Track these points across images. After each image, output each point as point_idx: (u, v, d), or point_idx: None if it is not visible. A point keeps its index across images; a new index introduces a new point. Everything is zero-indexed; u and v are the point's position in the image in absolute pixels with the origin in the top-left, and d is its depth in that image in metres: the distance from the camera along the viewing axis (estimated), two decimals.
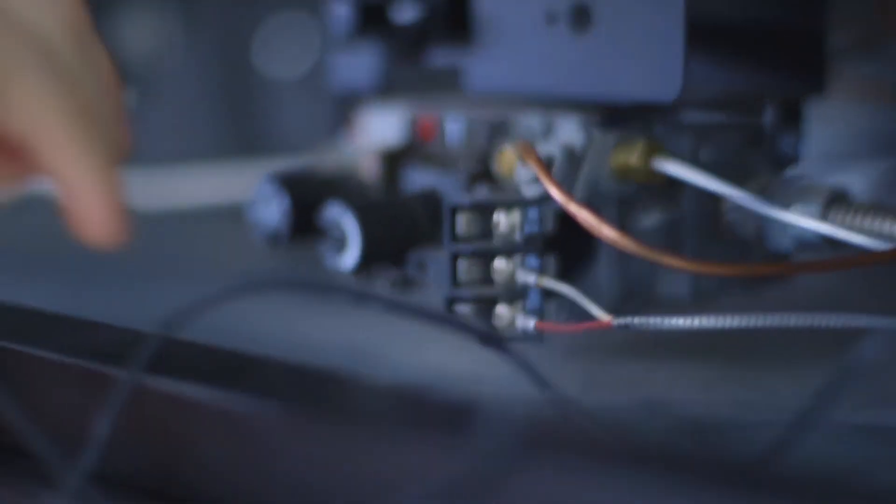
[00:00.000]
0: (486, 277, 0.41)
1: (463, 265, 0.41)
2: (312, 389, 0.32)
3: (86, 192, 0.34)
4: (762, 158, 0.46)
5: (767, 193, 0.43)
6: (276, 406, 0.31)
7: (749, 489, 0.26)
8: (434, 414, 0.30)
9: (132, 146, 0.36)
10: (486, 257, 0.41)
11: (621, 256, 0.43)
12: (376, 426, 0.30)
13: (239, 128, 1.12)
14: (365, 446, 0.30)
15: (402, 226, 0.45)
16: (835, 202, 0.42)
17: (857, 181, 0.49)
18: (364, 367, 0.44)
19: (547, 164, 0.42)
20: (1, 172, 0.36)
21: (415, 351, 0.46)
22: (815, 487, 0.26)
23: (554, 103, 0.46)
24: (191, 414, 0.33)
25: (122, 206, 0.34)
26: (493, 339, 0.38)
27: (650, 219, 0.44)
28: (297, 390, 0.32)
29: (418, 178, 0.47)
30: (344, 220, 0.45)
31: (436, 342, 0.44)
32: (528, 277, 0.40)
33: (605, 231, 0.38)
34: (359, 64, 0.53)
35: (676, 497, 0.25)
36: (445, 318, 0.35)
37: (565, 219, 0.41)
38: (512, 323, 0.41)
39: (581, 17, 0.45)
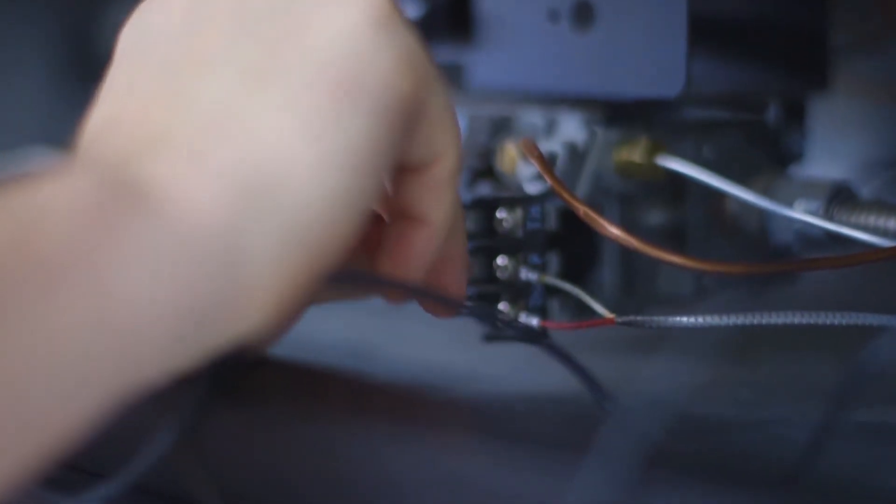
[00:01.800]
0: (489, 274, 0.40)
1: None
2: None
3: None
4: (766, 155, 0.46)
5: (771, 190, 0.43)
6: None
7: None
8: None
9: None
10: (489, 254, 0.40)
11: (624, 254, 0.42)
12: (500, 444, 0.29)
13: None
14: (488, 465, 0.29)
15: None
16: (838, 198, 0.42)
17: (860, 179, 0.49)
18: (363, 364, 0.43)
19: (549, 161, 0.42)
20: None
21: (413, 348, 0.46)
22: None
23: (556, 100, 0.45)
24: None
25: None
26: (539, 336, 0.37)
27: (653, 216, 0.44)
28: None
29: None
30: None
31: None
32: (530, 275, 0.40)
33: (609, 228, 0.37)
34: None
35: None
36: (491, 313, 0.34)
37: (568, 216, 0.40)
38: (514, 320, 0.40)
39: (583, 14, 0.44)
